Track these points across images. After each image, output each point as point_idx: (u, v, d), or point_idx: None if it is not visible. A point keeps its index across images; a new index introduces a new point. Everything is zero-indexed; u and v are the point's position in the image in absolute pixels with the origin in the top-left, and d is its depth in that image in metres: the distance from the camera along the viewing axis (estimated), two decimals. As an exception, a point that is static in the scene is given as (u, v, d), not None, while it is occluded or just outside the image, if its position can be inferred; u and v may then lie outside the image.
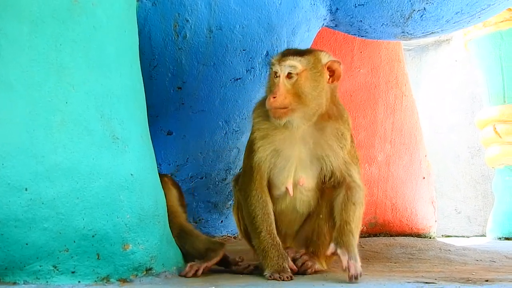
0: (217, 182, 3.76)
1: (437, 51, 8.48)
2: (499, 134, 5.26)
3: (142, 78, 2.45)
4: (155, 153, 2.56)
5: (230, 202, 3.93)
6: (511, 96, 5.34)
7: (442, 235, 5.34)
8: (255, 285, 2.09)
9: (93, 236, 2.03)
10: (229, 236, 4.01)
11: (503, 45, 5.38)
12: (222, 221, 3.97)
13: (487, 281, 2.25)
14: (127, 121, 2.22)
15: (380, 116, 4.45)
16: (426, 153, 4.92)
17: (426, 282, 2.17)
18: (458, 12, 3.54)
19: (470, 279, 2.31)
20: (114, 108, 2.18)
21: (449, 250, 3.21)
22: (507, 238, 5.12)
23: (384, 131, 4.45)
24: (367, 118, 4.41)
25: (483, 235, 5.43)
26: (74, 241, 2.00)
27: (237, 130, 3.60)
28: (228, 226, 4.00)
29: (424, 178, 4.74)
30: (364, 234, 4.23)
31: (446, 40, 8.38)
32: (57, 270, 1.99)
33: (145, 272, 2.15)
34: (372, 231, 4.32)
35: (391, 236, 4.03)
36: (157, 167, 3.34)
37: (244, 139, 3.71)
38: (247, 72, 3.37)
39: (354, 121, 4.36)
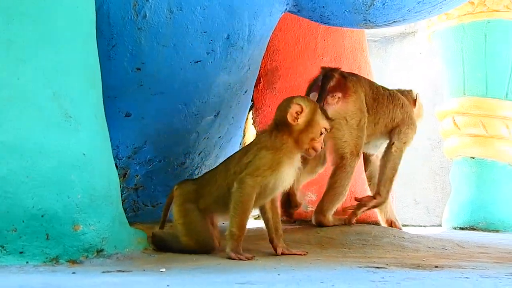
0: (175, 166, 3.73)
1: (402, 43, 8.52)
2: (458, 126, 5.32)
3: (98, 56, 2.40)
4: (112, 135, 2.52)
5: (188, 187, 3.91)
6: (471, 89, 5.39)
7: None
8: (206, 267, 2.08)
9: (42, 216, 1.99)
10: (187, 221, 3.99)
11: (465, 38, 5.43)
12: (180, 206, 3.95)
13: (436, 267, 2.28)
14: (80, 100, 2.17)
15: (342, 104, 4.45)
16: (386, 143, 4.96)
17: (377, 267, 2.18)
18: (420, 1, 3.57)
19: (420, 265, 2.33)
20: (67, 85, 2.13)
21: (403, 238, 3.24)
22: (461, 228, 5.20)
23: (345, 120, 4.45)
24: (329, 106, 4.42)
25: (440, 225, 5.49)
26: (23, 221, 1.96)
27: (197, 114, 3.57)
28: (186, 211, 3.98)
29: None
30: (322, 222, 4.25)
31: (412, 32, 8.43)
32: (5, 250, 1.94)
33: (96, 254, 2.12)
34: (331, 218, 4.34)
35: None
36: (115, 149, 3.32)
37: (204, 123, 3.68)
38: (207, 54, 3.33)
39: (316, 109, 4.36)
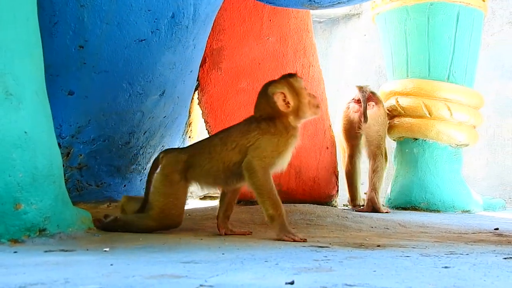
0: (120, 146, 3.70)
1: (347, 25, 8.61)
2: (401, 107, 5.40)
3: (40, 33, 2.35)
4: (55, 114, 2.48)
5: (133, 166, 3.88)
6: (413, 71, 5.47)
7: (344, 205, 5.47)
8: (151, 247, 2.09)
9: (-18, 195, 1.95)
10: (131, 201, 3.97)
11: (408, 21, 5.50)
12: (125, 185, 3.92)
13: (378, 246, 2.33)
14: (21, 77, 2.13)
15: (288, 85, 4.48)
16: (330, 124, 5.01)
17: (321, 246, 2.22)
18: (365, -17, 3.61)
19: (363, 244, 2.39)
20: (8, 62, 2.08)
21: (347, 217, 3.30)
22: (403, 208, 5.31)
23: (291, 100, 4.49)
24: (275, 87, 4.44)
25: (383, 205, 5.60)
26: (-37, 200, 1.93)
27: (141, 93, 3.54)
28: (132, 191, 3.96)
29: (327, 148, 4.84)
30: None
31: (357, 14, 8.52)
32: None
33: (38, 233, 2.09)
34: (276, 198, 4.37)
35: (294, 203, 4.08)
36: (58, 128, 3.26)
37: (149, 103, 3.66)
38: (152, 33, 3.30)
39: (262, 89, 4.38)
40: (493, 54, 7.49)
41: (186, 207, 4.24)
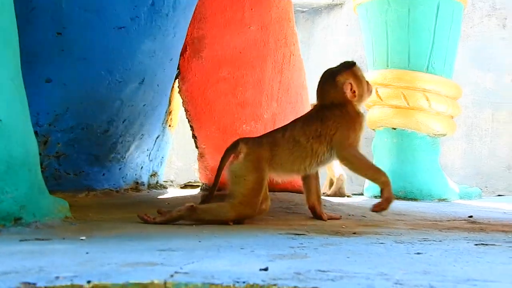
0: (99, 134, 3.68)
1: (330, 15, 8.61)
2: (381, 97, 5.43)
3: (15, 19, 2.33)
4: (32, 101, 2.46)
5: (112, 155, 3.86)
6: (393, 61, 5.50)
7: (323, 193, 5.49)
8: (128, 235, 2.08)
9: (-44, 183, 1.93)
10: (111, 190, 3.95)
11: (389, 11, 5.52)
12: (104, 174, 3.90)
13: (354, 233, 2.35)
14: (-3, 64, 2.11)
15: (268, 74, 4.47)
16: (311, 113, 5.02)
17: (297, 234, 2.23)
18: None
19: (339, 231, 2.40)
20: (-18, 49, 2.06)
21: (325, 206, 3.31)
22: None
23: (271, 90, 4.48)
24: (255, 76, 4.42)
25: (362, 194, 5.63)
26: None
27: (121, 81, 3.52)
28: (111, 180, 3.94)
29: (307, 137, 4.85)
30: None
31: (339, 4, 8.53)
32: None
33: (13, 222, 2.07)
34: (256, 187, 4.38)
35: (273, 192, 4.09)
36: (35, 116, 3.23)
37: (128, 91, 3.64)
38: (131, 20, 3.29)
39: (243, 79, 4.37)
40: (472, 46, 7.55)
41: (166, 195, 4.26)
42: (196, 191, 4.67)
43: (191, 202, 2.66)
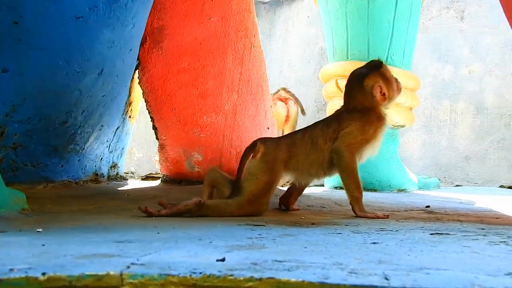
0: (57, 125, 3.63)
1: (291, 6, 8.62)
2: (341, 89, 5.46)
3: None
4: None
5: (71, 146, 3.82)
6: (353, 53, 5.53)
7: (282, 185, 5.52)
8: (85, 227, 2.07)
9: None
10: (70, 181, 3.91)
11: (349, 3, 5.54)
12: (62, 166, 3.86)
13: (313, 224, 2.37)
14: (-50, 53, 2.07)
15: (229, 65, 4.47)
16: (271, 104, 5.03)
17: (256, 225, 2.24)
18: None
19: (298, 222, 2.42)
20: None
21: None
22: (341, 188, 5.33)
23: (232, 81, 4.48)
24: (216, 67, 4.42)
25: (322, 185, 5.68)
26: None
27: (79, 71, 3.48)
28: (69, 171, 3.90)
29: (268, 128, 4.86)
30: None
31: (300, -5, 8.56)
32: None
33: (-32, 214, 2.05)
34: (217, 178, 4.38)
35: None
36: (-9, 106, 3.18)
37: (87, 81, 3.60)
38: (89, 10, 3.25)
39: (203, 70, 4.36)
40: (431, 38, 7.66)
41: (126, 187, 4.23)
42: (157, 183, 4.65)
43: (197, 197, 2.65)
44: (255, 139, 4.58)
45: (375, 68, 2.86)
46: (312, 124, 2.94)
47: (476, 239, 1.94)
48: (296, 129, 2.97)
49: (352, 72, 2.96)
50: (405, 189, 5.39)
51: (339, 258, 1.46)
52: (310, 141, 2.79)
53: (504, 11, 3.25)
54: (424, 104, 7.42)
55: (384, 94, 2.81)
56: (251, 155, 2.76)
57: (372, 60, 2.97)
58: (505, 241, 1.89)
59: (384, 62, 2.94)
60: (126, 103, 4.48)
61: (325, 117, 3.01)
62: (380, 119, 2.81)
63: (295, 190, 3.04)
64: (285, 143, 2.79)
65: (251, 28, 4.81)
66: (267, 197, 2.71)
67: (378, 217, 2.70)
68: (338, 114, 2.89)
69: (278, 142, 2.82)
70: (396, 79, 2.91)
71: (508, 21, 3.21)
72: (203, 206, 2.58)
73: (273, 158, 2.73)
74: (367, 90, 2.80)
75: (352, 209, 2.79)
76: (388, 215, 2.79)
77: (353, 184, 2.78)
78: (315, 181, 3.04)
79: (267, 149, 2.73)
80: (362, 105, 2.81)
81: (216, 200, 2.75)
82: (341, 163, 2.75)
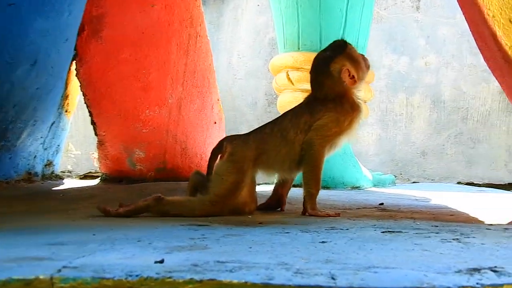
0: (-14, 120, 3.57)
1: (241, -6, 8.64)
2: (292, 81, 5.48)
3: None
4: None
5: (1, 143, 3.76)
6: (305, 44, 5.54)
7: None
8: (16, 229, 2.04)
9: None
10: (0, 181, 3.85)
11: (300, -8, 5.58)
12: (-7, 164, 3.79)
13: (260, 223, 2.39)
14: None
15: (173, 56, 4.46)
16: (218, 97, 5.04)
17: (200, 225, 2.25)
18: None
19: (245, 222, 2.43)
20: None
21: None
22: (294, 186, 5.31)
23: (176, 73, 4.47)
24: (159, 58, 4.40)
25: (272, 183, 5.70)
26: None
27: (11, 62, 3.43)
28: (0, 170, 3.83)
29: (215, 123, 4.87)
30: (152, 179, 4.28)
31: (250, -17, 8.57)
32: None
33: None
34: (161, 176, 4.37)
35: (180, 181, 4.10)
36: None
37: (19, 73, 3.54)
38: (21, -4, 3.20)
39: (145, 61, 4.33)
40: (386, 28, 7.76)
41: (62, 186, 4.18)
42: (96, 182, 4.61)
43: (158, 193, 2.62)
44: (200, 133, 4.63)
45: (339, 49, 2.81)
46: (280, 116, 2.91)
47: (428, 237, 1.98)
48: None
49: (316, 57, 2.92)
50: (359, 186, 5.45)
51: (285, 258, 1.47)
52: (279, 134, 2.75)
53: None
54: (379, 97, 7.52)
55: (353, 77, 2.76)
56: (219, 156, 2.73)
57: (334, 41, 2.93)
58: (457, 238, 1.94)
59: (346, 41, 2.89)
60: (62, 97, 4.42)
61: (293, 107, 2.95)
62: (354, 108, 2.78)
63: (282, 187, 3.06)
64: (253, 139, 2.75)
65: (197, 16, 4.80)
66: (232, 199, 2.68)
67: (329, 216, 2.71)
68: (308, 104, 2.84)
69: (246, 139, 2.76)
70: (363, 56, 2.87)
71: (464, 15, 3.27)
72: (162, 201, 2.56)
73: (240, 158, 2.69)
74: (335, 75, 2.75)
75: (304, 206, 2.79)
76: (339, 214, 2.81)
77: (314, 179, 2.77)
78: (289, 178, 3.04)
79: (233, 148, 2.69)
80: (333, 92, 2.77)
81: (178, 196, 2.74)
82: (310, 155, 2.72)
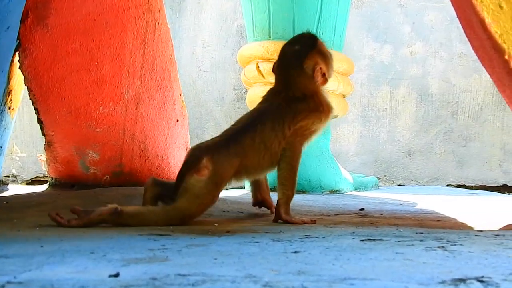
0: None
1: (206, -22, 8.65)
2: (262, 74, 5.50)
3: None
4: None
5: None
6: (276, 32, 5.56)
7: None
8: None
9: None
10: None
11: (271, -26, 5.59)
12: None
13: (228, 232, 2.41)
14: None
15: (129, 46, 4.46)
16: (181, 92, 5.04)
17: (160, 235, 2.27)
18: None
19: (210, 230, 2.46)
20: None
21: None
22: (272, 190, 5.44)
23: (133, 64, 4.47)
24: (113, 48, 4.40)
25: (243, 187, 5.73)
26: None
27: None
28: None
29: (177, 120, 4.87)
30: (107, 184, 4.28)
31: (216, -36, 8.57)
32: None
33: None
34: (117, 181, 4.37)
35: (138, 186, 4.11)
36: None
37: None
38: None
39: (98, 51, 4.33)
40: (367, 14, 7.80)
41: (6, 192, 4.17)
42: (44, 188, 4.59)
43: (114, 204, 2.60)
44: (161, 132, 4.63)
45: (310, 44, 2.90)
46: (256, 120, 2.86)
47: (412, 245, 2.03)
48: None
49: (284, 50, 2.97)
50: (338, 190, 5.50)
51: (253, 269, 1.50)
52: (263, 146, 2.79)
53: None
54: (360, 90, 7.59)
55: (324, 75, 2.87)
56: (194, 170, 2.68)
57: (302, 33, 3.01)
58: (443, 246, 1.98)
59: (316, 34, 3.01)
60: (4, 92, 4.40)
61: (262, 106, 2.98)
62: (328, 106, 2.92)
63: (259, 191, 3.18)
64: (235, 152, 2.73)
65: (155, 1, 4.80)
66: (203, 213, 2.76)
67: (304, 223, 2.78)
68: (285, 103, 2.87)
69: (227, 154, 2.71)
70: (330, 53, 2.98)
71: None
72: (122, 214, 2.55)
73: (223, 177, 2.71)
74: (308, 72, 2.84)
75: (277, 211, 2.84)
76: (315, 221, 2.87)
77: (290, 180, 2.86)
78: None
79: (215, 166, 2.65)
80: (307, 90, 2.87)
81: (138, 207, 2.73)
82: (289, 156, 2.84)
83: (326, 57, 2.90)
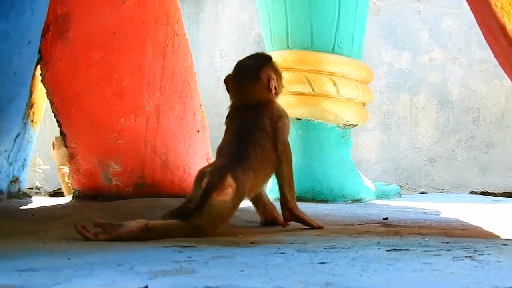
0: None
1: (221, -14, 8.67)
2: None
3: None
4: None
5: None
6: (295, 41, 5.53)
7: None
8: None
9: None
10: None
11: (288, -16, 5.58)
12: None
13: (252, 243, 2.42)
14: None
15: (148, 58, 4.47)
16: (201, 103, 5.05)
17: (185, 246, 2.27)
18: None
19: (235, 241, 2.46)
20: None
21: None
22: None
23: (153, 76, 4.48)
24: (133, 61, 4.41)
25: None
26: None
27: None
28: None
29: (198, 131, 4.88)
30: (130, 196, 4.29)
31: (232, -24, 8.59)
32: None
33: None
34: (140, 192, 4.37)
35: (160, 197, 4.12)
36: None
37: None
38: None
39: (118, 63, 4.35)
40: (384, 21, 7.78)
41: (30, 205, 4.19)
42: (67, 200, 4.61)
43: (141, 219, 2.63)
44: (182, 143, 4.64)
45: (265, 59, 3.16)
46: (246, 134, 3.00)
47: (439, 255, 2.02)
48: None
49: (240, 65, 3.19)
50: (360, 199, 5.47)
51: (281, 281, 1.50)
52: (266, 157, 2.97)
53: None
54: (380, 98, 7.56)
55: (275, 88, 3.07)
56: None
57: (256, 53, 3.27)
58: (471, 256, 1.97)
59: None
60: (27, 105, 4.43)
61: (240, 121, 3.11)
62: (285, 112, 3.15)
63: (265, 206, 3.29)
64: (248, 167, 2.84)
65: (174, 13, 4.81)
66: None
67: (319, 227, 3.02)
68: (263, 115, 3.05)
69: (243, 169, 2.80)
70: (281, 72, 3.23)
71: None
72: (152, 231, 2.56)
73: (243, 192, 2.82)
74: (264, 82, 3.04)
75: (293, 212, 3.04)
76: (323, 226, 3.06)
77: (292, 180, 3.07)
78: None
79: (239, 184, 2.74)
80: (264, 98, 3.08)
81: (164, 222, 2.72)
82: (288, 156, 3.04)
83: (278, 74, 3.14)
